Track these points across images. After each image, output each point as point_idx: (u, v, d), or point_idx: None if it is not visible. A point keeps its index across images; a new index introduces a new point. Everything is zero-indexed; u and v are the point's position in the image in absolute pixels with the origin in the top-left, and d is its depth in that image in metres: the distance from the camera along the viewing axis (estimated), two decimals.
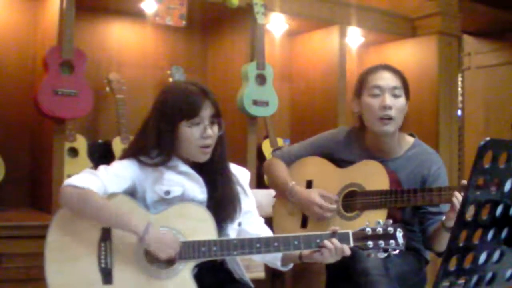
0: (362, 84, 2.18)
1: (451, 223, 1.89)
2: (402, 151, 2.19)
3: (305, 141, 2.40)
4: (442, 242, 2.02)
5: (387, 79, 2.14)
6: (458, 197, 1.86)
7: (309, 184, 2.29)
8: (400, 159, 2.18)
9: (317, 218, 2.16)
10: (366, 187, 2.12)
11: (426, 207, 2.09)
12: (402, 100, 2.14)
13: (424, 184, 2.12)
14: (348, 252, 1.71)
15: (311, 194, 2.18)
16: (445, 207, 2.05)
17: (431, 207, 2.09)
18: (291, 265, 1.89)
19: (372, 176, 2.11)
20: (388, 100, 2.10)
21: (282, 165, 2.33)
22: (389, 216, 2.01)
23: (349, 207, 2.16)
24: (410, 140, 2.23)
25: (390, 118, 2.10)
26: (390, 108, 2.09)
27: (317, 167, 2.29)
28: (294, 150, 2.38)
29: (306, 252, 1.77)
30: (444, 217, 1.96)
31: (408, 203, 2.03)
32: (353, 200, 2.15)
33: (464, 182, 1.89)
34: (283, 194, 2.27)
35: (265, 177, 2.35)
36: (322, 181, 2.25)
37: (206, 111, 1.72)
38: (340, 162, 2.25)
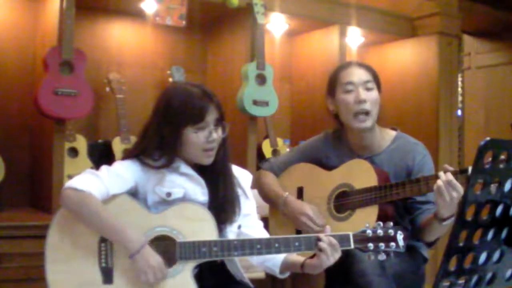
0: (335, 82, 2.20)
1: (443, 212, 1.87)
2: (386, 145, 2.20)
3: (291, 150, 2.42)
4: (433, 233, 2.02)
5: (359, 74, 2.17)
6: (442, 177, 1.83)
7: (300, 191, 2.29)
8: (384, 153, 2.19)
9: (305, 230, 2.15)
10: (355, 186, 2.12)
11: (414, 197, 2.09)
12: (375, 93, 2.16)
13: (410, 175, 2.12)
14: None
15: (304, 205, 2.18)
16: (432, 196, 2.05)
17: (418, 197, 2.09)
18: (287, 274, 1.90)
19: (360, 174, 2.11)
20: (362, 94, 2.13)
21: (272, 177, 2.34)
22: (380, 212, 2.02)
23: (342, 208, 2.16)
24: (392, 133, 2.24)
25: (366, 113, 2.12)
26: (365, 101, 2.12)
27: (306, 173, 2.29)
28: (282, 160, 2.39)
29: (308, 260, 1.77)
30: (435, 208, 1.95)
31: (398, 197, 2.03)
32: (345, 200, 2.15)
33: (446, 166, 1.87)
34: (276, 207, 2.27)
35: (257, 191, 2.36)
36: (312, 186, 2.25)
37: (211, 115, 1.72)
38: (329, 166, 2.26)
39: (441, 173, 1.86)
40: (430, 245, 2.12)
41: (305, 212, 2.15)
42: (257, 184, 2.36)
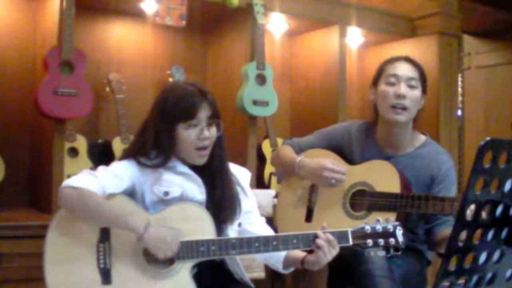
0: (381, 72, 2.19)
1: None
2: (413, 148, 2.18)
3: (314, 133, 2.37)
4: None
5: (404, 69, 2.15)
6: None
7: None
8: (409, 156, 2.17)
9: (329, 184, 2.13)
10: (376, 187, 2.10)
11: None
12: (417, 92, 2.14)
13: (433, 183, 2.11)
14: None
15: (321, 160, 2.15)
16: None
17: None
18: (292, 269, 1.89)
19: (383, 177, 2.09)
20: (403, 89, 2.10)
21: (290, 148, 2.32)
22: (395, 219, 1.99)
23: (356, 206, 2.14)
24: (422, 138, 2.22)
25: (403, 108, 2.10)
26: (404, 97, 2.10)
27: None
28: (303, 141, 2.36)
29: (308, 257, 1.77)
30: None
31: (418, 210, 2.01)
32: (361, 200, 2.13)
33: None
34: (292, 172, 2.24)
35: (273, 165, 2.35)
36: None
37: (204, 113, 1.72)
38: (349, 156, 2.23)
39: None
40: (441, 255, 2.10)
41: (325, 166, 2.12)
42: (274, 157, 2.36)
